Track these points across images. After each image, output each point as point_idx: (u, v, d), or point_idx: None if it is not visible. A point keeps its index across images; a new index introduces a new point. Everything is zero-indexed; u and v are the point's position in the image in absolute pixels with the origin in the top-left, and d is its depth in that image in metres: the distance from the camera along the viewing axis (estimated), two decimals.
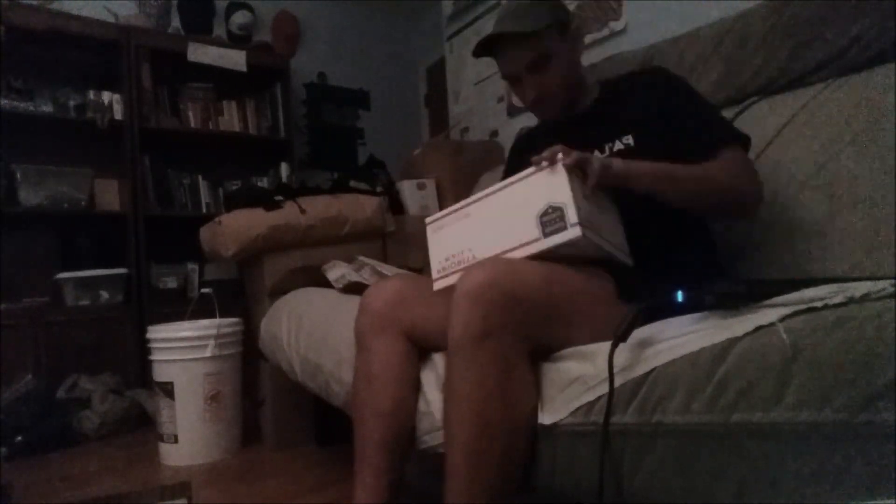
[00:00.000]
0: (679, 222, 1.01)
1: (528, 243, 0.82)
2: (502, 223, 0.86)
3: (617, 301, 0.86)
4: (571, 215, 0.78)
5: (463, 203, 0.93)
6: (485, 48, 1.11)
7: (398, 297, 0.98)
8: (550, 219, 0.80)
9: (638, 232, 0.95)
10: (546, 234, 0.80)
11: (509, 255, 0.83)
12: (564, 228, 0.78)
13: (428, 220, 0.98)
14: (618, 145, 1.03)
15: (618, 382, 0.65)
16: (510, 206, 0.86)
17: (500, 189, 0.88)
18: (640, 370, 0.64)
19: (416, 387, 0.95)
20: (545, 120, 1.21)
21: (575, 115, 1.12)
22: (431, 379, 0.94)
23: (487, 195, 0.89)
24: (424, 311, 0.96)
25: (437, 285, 0.93)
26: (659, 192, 0.90)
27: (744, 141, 1.00)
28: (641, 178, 0.89)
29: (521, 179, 0.86)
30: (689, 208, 0.95)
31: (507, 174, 1.30)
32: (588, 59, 1.97)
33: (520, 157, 1.26)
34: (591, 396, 0.68)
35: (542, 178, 0.83)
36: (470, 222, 0.91)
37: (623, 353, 0.67)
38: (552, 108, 1.11)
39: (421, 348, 0.99)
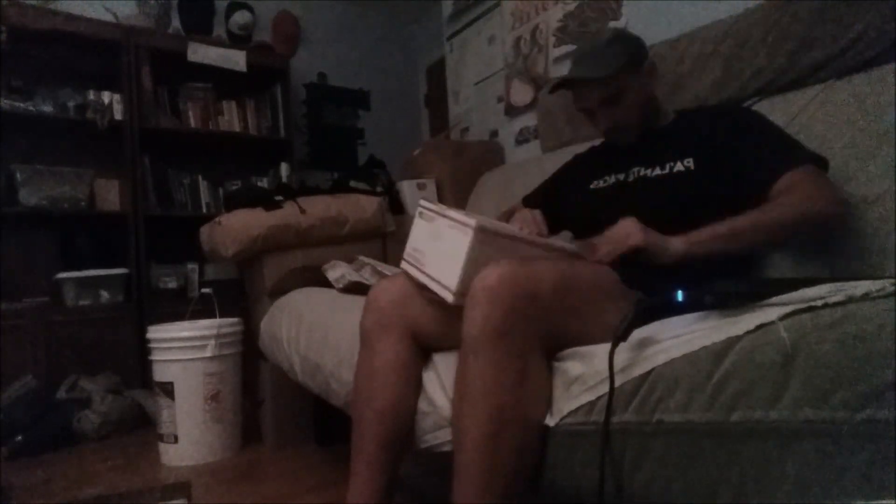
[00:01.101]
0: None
1: (443, 287, 0.85)
2: (443, 252, 0.89)
3: (626, 294, 0.86)
4: (447, 292, 0.83)
5: (442, 210, 0.93)
6: (561, 87, 1.16)
7: (403, 296, 0.99)
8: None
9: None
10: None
11: (430, 283, 0.89)
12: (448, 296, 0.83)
13: (422, 202, 1.01)
14: (678, 166, 1.06)
15: (618, 382, 0.65)
16: (448, 240, 0.88)
17: (451, 218, 0.89)
18: (640, 370, 0.64)
19: (418, 386, 0.95)
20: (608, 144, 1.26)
21: (644, 136, 1.15)
22: (433, 379, 0.94)
23: (450, 217, 0.89)
24: (427, 311, 0.97)
25: (402, 265, 0.99)
26: (730, 252, 0.91)
27: (816, 161, 0.98)
28: (706, 248, 0.90)
29: (458, 223, 0.86)
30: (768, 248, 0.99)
31: (553, 178, 1.39)
32: None
33: (581, 166, 1.32)
34: (591, 396, 0.68)
35: (457, 235, 0.84)
36: (433, 230, 0.93)
37: (623, 352, 0.67)
38: (626, 135, 1.15)
39: (423, 348, 0.99)
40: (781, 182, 0.94)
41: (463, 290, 0.80)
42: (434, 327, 0.97)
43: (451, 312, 0.98)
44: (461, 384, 0.76)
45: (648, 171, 1.10)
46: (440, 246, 0.90)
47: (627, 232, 0.90)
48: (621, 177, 1.15)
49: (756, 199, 0.95)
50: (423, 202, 1.00)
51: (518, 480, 0.73)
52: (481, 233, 0.81)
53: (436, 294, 0.88)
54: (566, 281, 0.79)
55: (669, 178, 1.06)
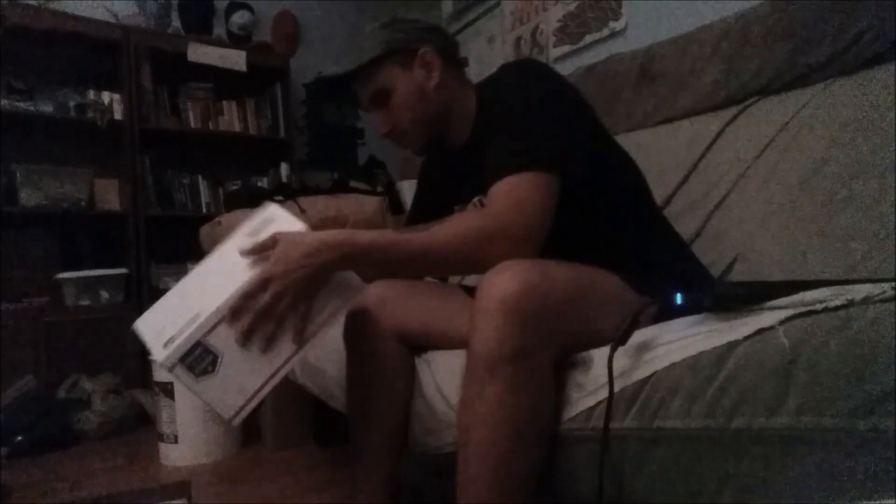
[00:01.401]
0: (607, 234, 0.91)
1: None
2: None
3: (635, 298, 0.82)
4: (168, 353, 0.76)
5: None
6: (328, 90, 1.02)
7: (380, 300, 0.98)
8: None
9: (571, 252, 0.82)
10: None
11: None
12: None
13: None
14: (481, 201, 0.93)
15: (617, 387, 0.64)
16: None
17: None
18: (640, 375, 0.63)
19: (409, 386, 0.95)
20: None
21: (457, 150, 1.01)
22: (429, 380, 0.94)
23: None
24: (412, 312, 0.97)
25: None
26: (393, 271, 0.85)
27: (547, 166, 0.81)
28: (366, 258, 0.81)
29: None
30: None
31: (421, 194, 1.20)
32: (588, 59, 1.98)
33: (430, 181, 1.17)
34: (590, 401, 0.68)
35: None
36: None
37: (622, 357, 0.66)
38: (409, 143, 1.00)
39: (410, 348, 0.99)
40: (492, 191, 0.81)
41: (237, 412, 0.77)
42: (419, 328, 0.97)
43: (436, 314, 0.98)
44: (475, 405, 0.69)
45: (481, 199, 0.95)
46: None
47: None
48: (478, 203, 1.00)
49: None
50: (135, 326, 0.88)
51: (527, 492, 0.71)
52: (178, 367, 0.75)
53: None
54: (579, 284, 0.75)
55: None
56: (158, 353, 0.76)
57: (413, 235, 0.81)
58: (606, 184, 0.92)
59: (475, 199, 0.99)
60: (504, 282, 0.67)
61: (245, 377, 0.80)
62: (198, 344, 0.76)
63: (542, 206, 0.79)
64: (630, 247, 0.91)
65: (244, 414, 0.81)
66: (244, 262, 0.83)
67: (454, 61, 1.00)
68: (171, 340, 0.76)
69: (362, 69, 0.93)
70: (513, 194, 0.79)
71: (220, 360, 0.78)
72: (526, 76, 0.91)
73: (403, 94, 0.94)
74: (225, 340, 0.78)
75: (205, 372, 0.77)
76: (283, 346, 0.81)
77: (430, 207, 1.11)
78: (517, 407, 0.66)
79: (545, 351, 0.68)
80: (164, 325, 0.80)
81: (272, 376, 0.81)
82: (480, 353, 0.68)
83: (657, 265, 0.89)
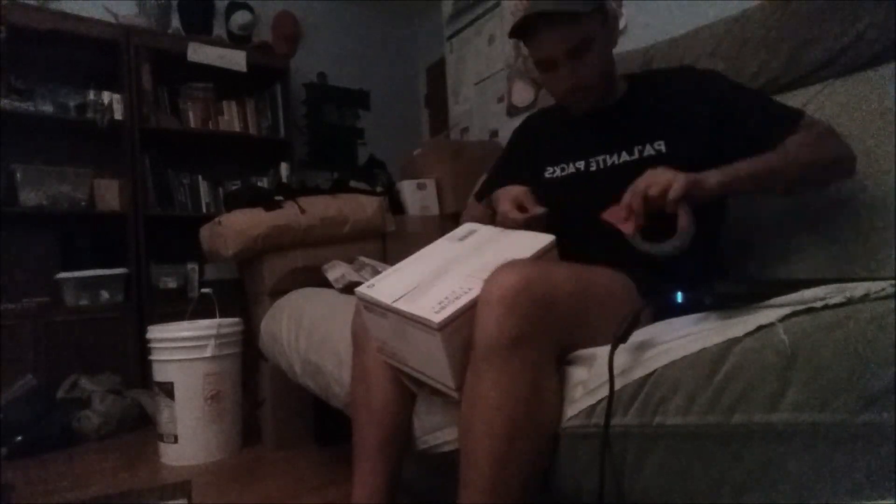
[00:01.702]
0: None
1: (443, 386, 0.79)
2: (419, 351, 0.80)
3: (634, 293, 0.85)
4: (450, 391, 0.78)
5: (388, 305, 0.80)
6: (522, 27, 1.00)
7: None
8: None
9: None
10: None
11: (427, 380, 0.83)
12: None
13: (359, 292, 0.85)
14: (648, 150, 0.99)
15: (618, 385, 0.64)
16: (418, 341, 0.78)
17: (406, 315, 0.77)
18: (641, 372, 0.63)
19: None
20: (562, 114, 1.14)
21: (602, 109, 1.05)
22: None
23: (404, 314, 0.78)
24: None
25: (381, 356, 0.90)
26: (764, 190, 0.90)
27: (802, 114, 0.97)
28: (745, 185, 0.88)
29: (417, 322, 0.75)
30: (792, 190, 0.95)
31: (506, 159, 1.26)
32: None
33: (528, 146, 1.20)
34: (591, 399, 0.68)
35: (424, 336, 0.75)
36: (393, 326, 0.82)
37: (623, 355, 0.66)
38: (588, 99, 1.03)
39: None
40: (789, 143, 0.91)
41: (462, 382, 0.75)
42: None
43: None
44: (472, 394, 0.72)
45: (615, 158, 1.01)
46: (412, 345, 0.80)
47: (657, 180, 0.83)
48: (581, 165, 1.05)
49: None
50: (359, 292, 0.86)
51: (528, 490, 0.71)
52: (448, 329, 0.72)
53: (438, 389, 0.82)
54: (581, 286, 0.77)
55: (640, 165, 0.94)
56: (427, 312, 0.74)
57: (771, 158, 0.88)
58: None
59: (601, 157, 1.04)
60: (507, 279, 0.70)
61: None
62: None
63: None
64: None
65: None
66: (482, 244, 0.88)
67: None
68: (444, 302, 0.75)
69: (582, 15, 0.94)
70: (819, 122, 0.95)
71: None
72: (697, 69, 1.07)
73: (600, 48, 0.99)
74: None
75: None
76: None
77: (517, 171, 1.18)
78: (512, 395, 0.68)
79: (542, 341, 0.70)
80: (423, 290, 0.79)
81: None
82: (479, 343, 0.71)
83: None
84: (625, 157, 1.00)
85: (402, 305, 0.77)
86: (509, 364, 0.69)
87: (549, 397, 0.71)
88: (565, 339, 0.75)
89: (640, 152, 0.99)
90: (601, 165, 1.03)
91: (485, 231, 0.95)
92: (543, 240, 0.87)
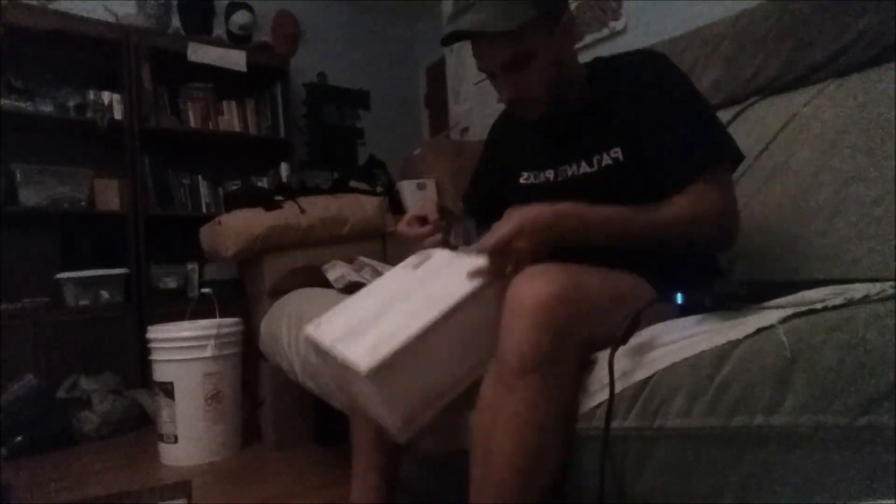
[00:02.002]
0: None
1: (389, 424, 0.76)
2: (364, 393, 0.78)
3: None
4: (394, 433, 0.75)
5: (327, 346, 0.79)
6: (458, 38, 0.94)
7: None
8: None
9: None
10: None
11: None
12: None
13: (307, 332, 0.82)
14: (606, 159, 0.94)
15: (619, 387, 0.64)
16: (358, 383, 0.76)
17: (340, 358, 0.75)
18: (641, 375, 0.63)
19: None
20: None
21: (560, 116, 1.00)
22: None
23: (339, 357, 0.76)
24: None
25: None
26: (614, 243, 0.82)
27: (733, 157, 0.90)
28: (599, 238, 0.81)
29: (350, 364, 0.73)
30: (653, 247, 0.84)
31: (482, 166, 1.23)
32: (588, 58, 1.97)
33: (500, 151, 1.17)
34: (592, 402, 0.68)
35: (360, 379, 0.72)
36: (336, 368, 0.80)
37: (623, 357, 0.66)
38: (531, 110, 0.98)
39: None
40: (696, 180, 0.85)
41: (408, 420, 0.72)
42: None
43: None
44: (502, 407, 0.68)
45: (576, 169, 0.98)
46: (356, 385, 0.78)
47: (502, 227, 0.79)
48: (550, 175, 1.02)
49: (671, 191, 0.86)
50: (306, 333, 0.84)
51: (545, 491, 0.70)
52: (380, 373, 0.69)
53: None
54: (611, 293, 0.75)
55: (599, 176, 0.94)
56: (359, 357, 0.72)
57: (639, 214, 0.83)
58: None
59: (564, 168, 1.00)
60: (538, 287, 0.67)
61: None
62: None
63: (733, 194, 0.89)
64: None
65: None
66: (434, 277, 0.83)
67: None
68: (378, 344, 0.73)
69: (517, 34, 0.87)
70: (720, 183, 0.86)
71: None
72: (660, 66, 0.94)
73: (544, 60, 0.91)
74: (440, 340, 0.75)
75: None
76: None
77: (493, 177, 1.16)
78: (546, 412, 0.66)
79: (574, 356, 0.69)
80: (360, 330, 0.77)
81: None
82: (511, 358, 0.67)
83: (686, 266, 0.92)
84: (585, 167, 0.97)
85: (339, 347, 0.75)
86: (545, 379, 0.66)
87: (574, 406, 0.69)
88: (594, 347, 0.73)
89: (599, 162, 0.95)
90: (567, 175, 1.00)
91: (437, 257, 0.91)
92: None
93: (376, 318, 0.79)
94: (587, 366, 0.73)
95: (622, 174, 0.92)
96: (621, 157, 0.93)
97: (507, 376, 0.68)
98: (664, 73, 0.94)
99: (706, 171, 0.85)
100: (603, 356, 0.69)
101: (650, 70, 0.94)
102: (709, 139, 0.88)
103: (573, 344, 0.68)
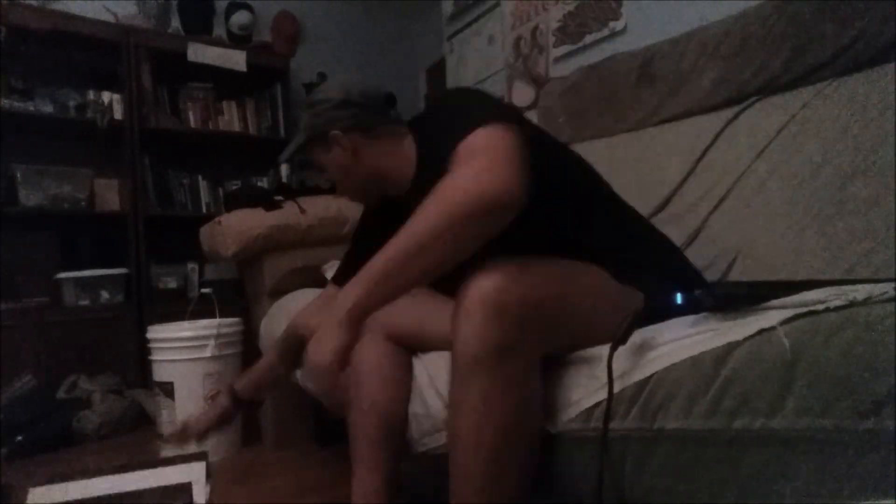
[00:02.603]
0: (586, 240, 0.88)
1: None
2: None
3: (624, 291, 0.81)
4: None
5: None
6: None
7: None
8: None
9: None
10: None
11: None
12: None
13: None
14: None
15: (618, 387, 0.64)
16: None
17: None
18: (640, 375, 0.63)
19: (405, 385, 0.96)
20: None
21: (394, 201, 1.02)
22: (426, 381, 0.94)
23: None
24: (406, 314, 0.97)
25: None
26: (406, 284, 0.75)
27: (501, 119, 0.76)
28: (375, 296, 0.75)
29: None
30: (450, 259, 0.72)
31: (352, 252, 1.20)
32: (588, 59, 1.98)
33: (370, 230, 1.16)
34: (590, 402, 0.68)
35: None
36: None
37: (622, 358, 0.66)
38: (358, 201, 1.13)
39: (407, 349, 0.99)
40: (454, 158, 0.74)
41: None
42: (413, 329, 0.98)
43: (430, 315, 0.98)
44: (460, 404, 0.69)
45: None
46: None
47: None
48: None
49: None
50: None
51: (520, 491, 0.70)
52: None
53: None
54: (565, 281, 0.75)
55: None
56: None
57: (394, 239, 0.73)
58: (571, 182, 0.93)
59: None
60: (484, 280, 0.67)
61: None
62: None
63: (515, 145, 0.72)
64: (608, 243, 0.89)
65: None
66: None
67: (376, 123, 1.03)
68: None
69: (294, 155, 1.09)
70: (482, 144, 0.73)
71: None
72: (460, 94, 0.97)
73: (332, 170, 1.06)
74: None
75: None
76: None
77: (365, 258, 1.03)
78: (501, 405, 0.67)
79: (530, 348, 0.69)
80: None
81: None
82: (463, 353, 0.68)
83: (639, 259, 0.89)
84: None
85: None
86: (496, 373, 0.66)
87: (538, 400, 0.70)
88: (554, 340, 0.73)
89: None
90: None
91: None
92: None
93: None
94: (577, 363, 0.73)
95: None
96: None
97: (460, 373, 0.68)
98: (444, 113, 0.89)
99: (455, 152, 0.74)
100: (601, 355, 0.68)
101: (443, 108, 0.94)
102: (470, 113, 0.79)
103: (526, 334, 0.67)
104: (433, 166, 0.81)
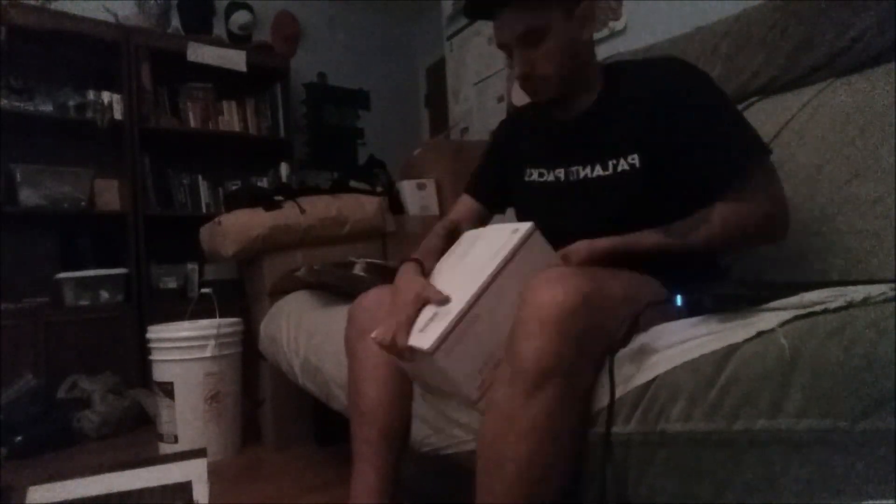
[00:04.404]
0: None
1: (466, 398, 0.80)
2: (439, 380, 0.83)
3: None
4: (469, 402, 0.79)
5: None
6: (478, 7, 0.98)
7: (377, 305, 0.99)
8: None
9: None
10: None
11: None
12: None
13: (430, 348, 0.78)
14: (622, 164, 0.92)
15: (620, 392, 0.64)
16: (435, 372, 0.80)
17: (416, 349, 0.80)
18: (642, 379, 0.63)
19: (405, 386, 0.96)
20: (537, 115, 1.08)
21: (572, 117, 0.99)
22: None
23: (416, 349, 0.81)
24: None
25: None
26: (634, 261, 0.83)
27: (764, 151, 0.88)
28: (645, 257, 0.83)
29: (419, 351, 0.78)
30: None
31: (488, 158, 1.20)
32: None
33: (507, 147, 1.15)
34: (593, 407, 0.68)
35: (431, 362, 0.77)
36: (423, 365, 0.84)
37: (624, 362, 0.66)
38: (542, 90, 0.97)
39: None
40: (735, 183, 0.86)
41: (483, 386, 0.76)
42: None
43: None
44: (517, 419, 0.66)
45: (589, 171, 0.96)
46: (431, 371, 0.82)
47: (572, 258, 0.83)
48: (560, 174, 1.00)
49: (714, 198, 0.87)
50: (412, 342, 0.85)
51: (553, 497, 0.69)
52: (441, 349, 0.74)
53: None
54: (630, 299, 0.72)
55: (614, 181, 0.93)
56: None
57: (689, 233, 0.84)
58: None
59: (575, 169, 0.99)
60: (562, 294, 0.66)
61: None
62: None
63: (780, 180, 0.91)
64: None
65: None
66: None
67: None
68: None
69: (538, 7, 0.89)
70: (760, 181, 0.87)
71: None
72: (688, 75, 0.94)
73: (557, 40, 0.91)
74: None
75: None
76: None
77: (498, 170, 1.15)
78: (563, 421, 0.66)
79: (592, 364, 0.68)
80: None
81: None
82: (530, 366, 0.66)
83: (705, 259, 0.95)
84: (599, 171, 0.95)
85: (410, 341, 0.81)
86: (565, 390, 0.65)
87: (590, 413, 0.69)
88: (610, 345, 0.71)
89: (615, 167, 0.93)
90: (578, 176, 0.98)
91: (468, 237, 0.98)
92: (521, 230, 0.83)
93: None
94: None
95: (637, 181, 0.91)
96: (638, 164, 0.91)
97: (525, 384, 0.66)
98: (686, 77, 0.93)
99: (745, 172, 0.86)
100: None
101: (672, 71, 0.94)
102: (743, 141, 0.88)
103: (593, 351, 0.67)
104: (611, 111, 0.95)
